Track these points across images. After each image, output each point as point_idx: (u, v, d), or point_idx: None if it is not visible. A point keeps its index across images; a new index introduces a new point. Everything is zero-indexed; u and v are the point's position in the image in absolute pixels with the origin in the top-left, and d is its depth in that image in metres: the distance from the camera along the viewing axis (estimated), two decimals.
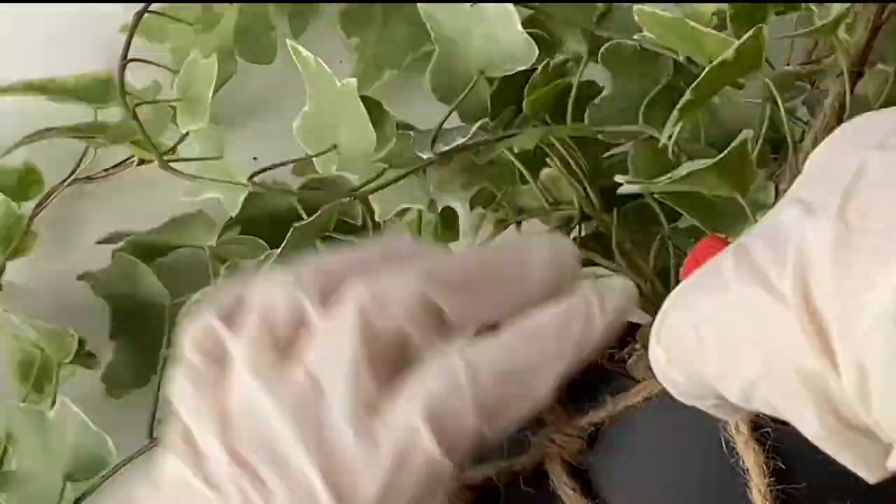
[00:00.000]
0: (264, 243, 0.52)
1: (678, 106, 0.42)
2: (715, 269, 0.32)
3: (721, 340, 0.31)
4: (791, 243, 0.29)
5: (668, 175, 0.41)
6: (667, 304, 0.33)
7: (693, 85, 0.42)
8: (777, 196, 0.44)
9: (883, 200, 0.28)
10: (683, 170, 0.40)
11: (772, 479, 0.37)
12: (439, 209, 0.55)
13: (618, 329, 0.37)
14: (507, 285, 0.37)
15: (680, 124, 0.43)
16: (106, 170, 0.54)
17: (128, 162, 0.53)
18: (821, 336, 0.28)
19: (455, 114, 0.51)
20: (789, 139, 0.46)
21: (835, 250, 0.28)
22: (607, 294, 0.37)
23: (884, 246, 0.27)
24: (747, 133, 0.40)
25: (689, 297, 0.33)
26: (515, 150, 0.50)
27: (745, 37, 0.41)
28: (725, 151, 0.39)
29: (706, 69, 0.41)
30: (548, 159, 0.49)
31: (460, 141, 0.48)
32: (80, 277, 0.54)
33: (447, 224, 0.56)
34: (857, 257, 0.28)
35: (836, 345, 0.28)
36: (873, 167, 0.29)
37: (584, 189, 0.51)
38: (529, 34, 0.49)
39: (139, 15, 0.50)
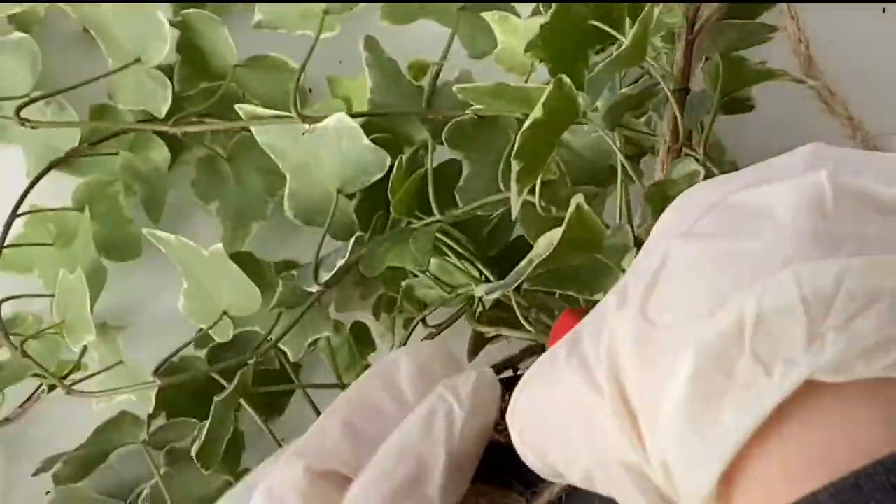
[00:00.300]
0: (195, 421, 0.53)
1: (513, 177, 0.42)
2: (553, 357, 0.32)
3: (558, 430, 0.32)
4: (605, 335, 0.29)
5: (518, 274, 0.41)
6: (518, 386, 0.34)
7: (515, 154, 0.42)
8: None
9: (676, 292, 0.28)
10: (529, 264, 0.40)
11: None
12: (348, 327, 0.56)
13: (493, 407, 0.39)
14: (384, 412, 0.39)
15: (524, 192, 0.43)
16: (20, 406, 0.53)
17: (39, 392, 0.53)
18: (634, 430, 0.29)
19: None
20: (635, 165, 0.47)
21: (637, 344, 0.28)
22: (460, 385, 0.39)
23: (675, 338, 0.27)
24: (578, 198, 0.40)
25: (533, 382, 0.33)
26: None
27: (548, 91, 0.41)
28: (564, 224, 0.39)
29: (519, 134, 0.41)
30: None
31: (341, 263, 0.48)
32: None
33: (360, 339, 0.56)
34: (655, 351, 0.28)
35: (646, 439, 0.28)
36: (673, 256, 0.29)
37: (476, 267, 0.51)
38: (374, 140, 0.50)
39: None
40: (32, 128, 0.51)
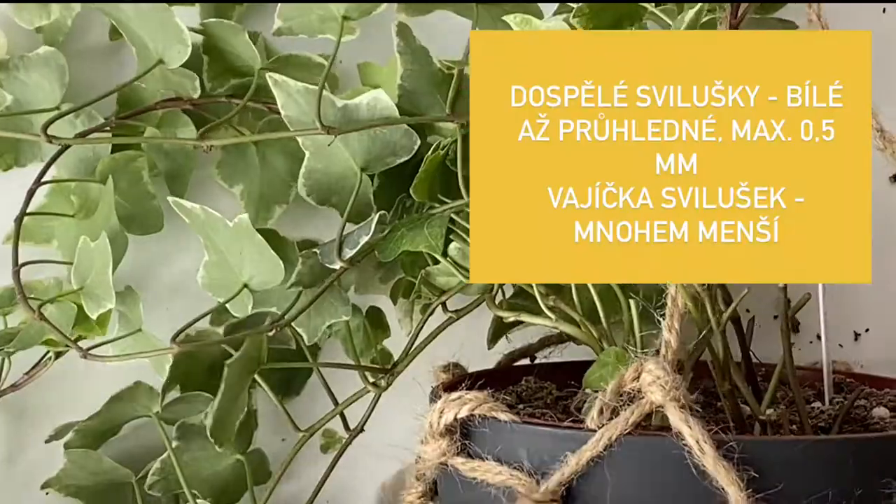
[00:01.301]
0: (208, 395, 0.51)
1: None
2: None
3: None
4: None
5: None
6: None
7: None
8: None
9: None
10: None
11: (749, 490, 0.35)
12: (364, 312, 0.54)
13: None
14: None
15: None
16: (27, 373, 0.51)
17: (46, 359, 0.51)
18: None
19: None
20: None
21: None
22: None
23: None
24: None
25: None
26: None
27: None
28: None
29: None
30: (452, 235, 0.49)
31: (365, 240, 0.47)
32: (44, 486, 0.52)
33: (375, 323, 0.55)
34: None
35: None
36: None
37: None
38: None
39: (19, 220, 0.48)
40: (62, 146, 0.49)
